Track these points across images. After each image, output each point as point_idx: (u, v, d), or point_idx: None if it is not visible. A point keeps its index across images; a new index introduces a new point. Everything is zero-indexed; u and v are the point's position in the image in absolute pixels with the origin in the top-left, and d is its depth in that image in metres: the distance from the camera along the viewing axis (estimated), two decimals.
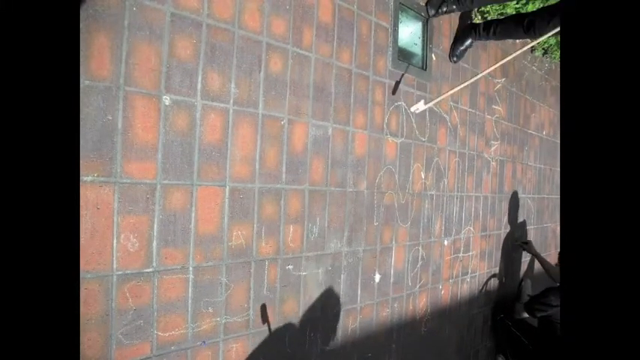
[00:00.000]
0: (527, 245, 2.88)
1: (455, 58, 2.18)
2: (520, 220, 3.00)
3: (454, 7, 2.02)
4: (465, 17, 2.29)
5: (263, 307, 1.38)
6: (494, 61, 2.58)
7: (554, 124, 3.49)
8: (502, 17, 2.23)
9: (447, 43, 2.18)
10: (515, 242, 2.92)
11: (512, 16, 2.18)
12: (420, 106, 1.75)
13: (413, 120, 1.97)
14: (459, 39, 2.18)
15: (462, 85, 1.77)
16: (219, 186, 1.26)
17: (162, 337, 1.16)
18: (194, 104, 1.20)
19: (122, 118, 1.06)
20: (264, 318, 1.38)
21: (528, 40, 2.19)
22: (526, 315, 2.43)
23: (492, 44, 2.56)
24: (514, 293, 2.89)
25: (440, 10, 2.00)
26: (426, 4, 2.02)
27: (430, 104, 1.79)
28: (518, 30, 1.97)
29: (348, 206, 1.66)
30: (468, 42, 2.16)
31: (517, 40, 2.79)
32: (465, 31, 2.19)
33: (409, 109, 1.78)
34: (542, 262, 2.73)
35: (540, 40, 1.64)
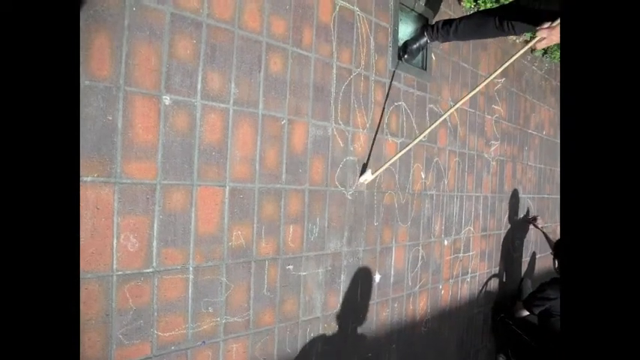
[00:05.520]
0: (535, 221, 2.99)
1: (406, 56, 1.88)
2: (519, 217, 3.03)
3: (439, 33, 1.86)
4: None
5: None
6: (494, 60, 2.58)
7: (554, 124, 3.49)
8: (467, 15, 1.94)
9: (447, 43, 2.15)
10: (524, 217, 3.05)
11: (478, 12, 1.93)
12: (368, 177, 1.65)
13: (413, 120, 1.97)
14: (414, 36, 1.93)
15: (438, 120, 1.61)
16: (219, 186, 1.26)
17: (162, 338, 1.16)
18: (194, 104, 1.20)
19: (122, 119, 1.06)
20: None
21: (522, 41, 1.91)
22: (527, 313, 2.43)
23: (493, 44, 2.56)
24: (514, 293, 2.90)
25: (435, 34, 1.88)
26: (423, 28, 1.91)
27: (377, 173, 1.65)
28: (488, 25, 1.71)
29: (348, 206, 1.66)
30: (423, 40, 1.88)
31: (517, 40, 2.79)
32: (422, 27, 1.93)
33: (358, 180, 1.66)
34: (549, 238, 2.84)
35: (519, 34, 1.39)
